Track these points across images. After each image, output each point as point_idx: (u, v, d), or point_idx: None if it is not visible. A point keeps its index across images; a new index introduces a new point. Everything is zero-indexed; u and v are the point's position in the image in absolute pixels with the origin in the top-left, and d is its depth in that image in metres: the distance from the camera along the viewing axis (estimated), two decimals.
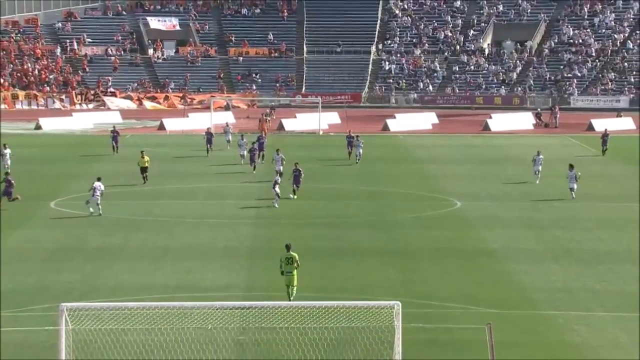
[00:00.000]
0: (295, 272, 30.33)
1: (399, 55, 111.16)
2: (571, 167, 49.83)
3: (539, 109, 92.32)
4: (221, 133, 69.35)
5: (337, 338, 25.44)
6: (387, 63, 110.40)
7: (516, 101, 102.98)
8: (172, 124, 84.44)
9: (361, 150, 61.09)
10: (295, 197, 47.25)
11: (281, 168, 52.83)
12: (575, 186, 49.31)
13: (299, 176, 47.12)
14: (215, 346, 25.56)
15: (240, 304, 26.98)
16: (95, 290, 32.90)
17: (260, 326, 26.09)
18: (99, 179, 45.39)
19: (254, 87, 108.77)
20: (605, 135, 66.63)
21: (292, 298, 29.89)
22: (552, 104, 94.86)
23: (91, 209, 44.81)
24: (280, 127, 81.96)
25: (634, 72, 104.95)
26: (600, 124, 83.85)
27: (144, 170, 54.44)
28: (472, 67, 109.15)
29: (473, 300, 32.00)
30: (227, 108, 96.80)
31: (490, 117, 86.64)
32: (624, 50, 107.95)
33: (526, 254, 38.54)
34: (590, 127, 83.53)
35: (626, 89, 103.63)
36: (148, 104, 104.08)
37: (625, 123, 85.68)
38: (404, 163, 63.37)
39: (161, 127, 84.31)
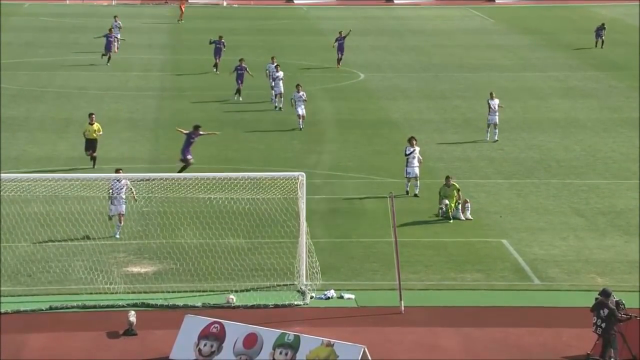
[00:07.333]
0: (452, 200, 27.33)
1: None
2: None
3: None
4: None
5: (243, 209, 25.22)
6: None
7: None
8: None
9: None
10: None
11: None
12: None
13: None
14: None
15: (145, 175, 26.52)
16: None
17: (166, 196, 25.67)
18: None
19: None
20: (600, 29, 57.85)
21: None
22: None
23: None
24: None
25: None
26: None
27: (90, 144, 32.16)
28: None
29: (375, 170, 32.09)
30: None
31: None
32: None
33: (427, 124, 38.66)
34: None
35: None
36: None
37: None
38: (308, 35, 62.58)
39: None
